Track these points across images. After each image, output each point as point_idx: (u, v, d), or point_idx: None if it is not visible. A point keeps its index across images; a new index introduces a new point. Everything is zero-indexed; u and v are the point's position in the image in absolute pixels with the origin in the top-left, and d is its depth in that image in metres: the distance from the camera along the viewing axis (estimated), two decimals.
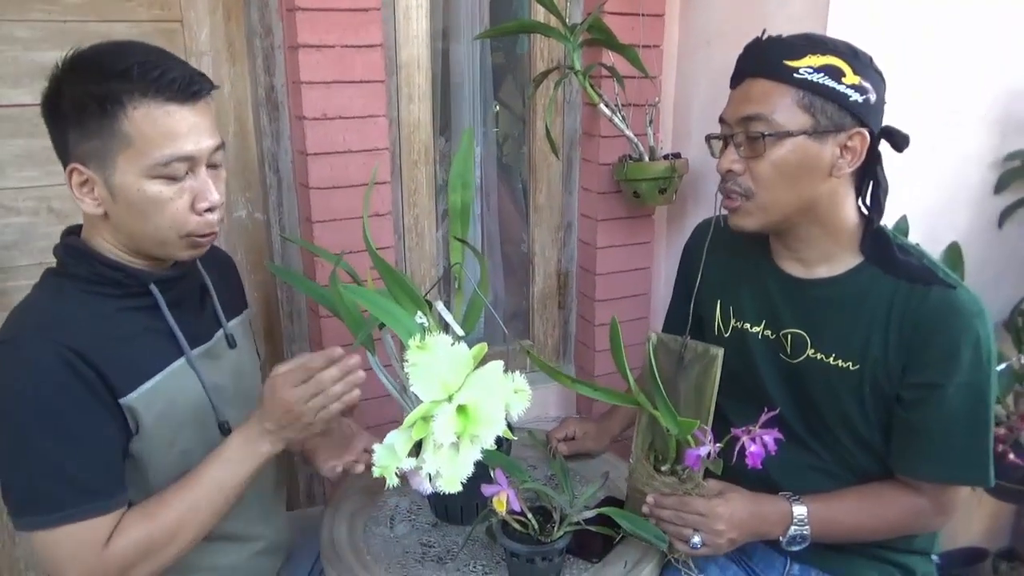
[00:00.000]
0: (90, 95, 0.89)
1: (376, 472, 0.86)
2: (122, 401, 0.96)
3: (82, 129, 0.91)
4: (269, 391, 0.96)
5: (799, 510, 1.10)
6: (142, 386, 0.98)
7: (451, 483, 0.87)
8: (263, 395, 0.97)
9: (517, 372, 0.94)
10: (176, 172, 0.93)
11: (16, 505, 0.92)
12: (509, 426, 1.26)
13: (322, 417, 0.96)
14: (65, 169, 0.95)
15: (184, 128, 0.92)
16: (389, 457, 0.86)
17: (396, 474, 0.87)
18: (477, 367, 0.91)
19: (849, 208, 1.10)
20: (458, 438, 0.86)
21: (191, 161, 0.94)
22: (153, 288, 1.01)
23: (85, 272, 0.98)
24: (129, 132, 0.90)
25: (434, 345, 0.87)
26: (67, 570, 0.92)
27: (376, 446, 0.87)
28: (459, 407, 0.87)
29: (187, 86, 0.92)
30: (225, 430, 1.06)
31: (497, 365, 0.91)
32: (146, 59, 0.91)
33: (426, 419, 0.87)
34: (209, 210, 0.97)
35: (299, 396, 0.94)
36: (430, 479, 0.90)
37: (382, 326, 1.10)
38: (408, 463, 0.87)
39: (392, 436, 0.88)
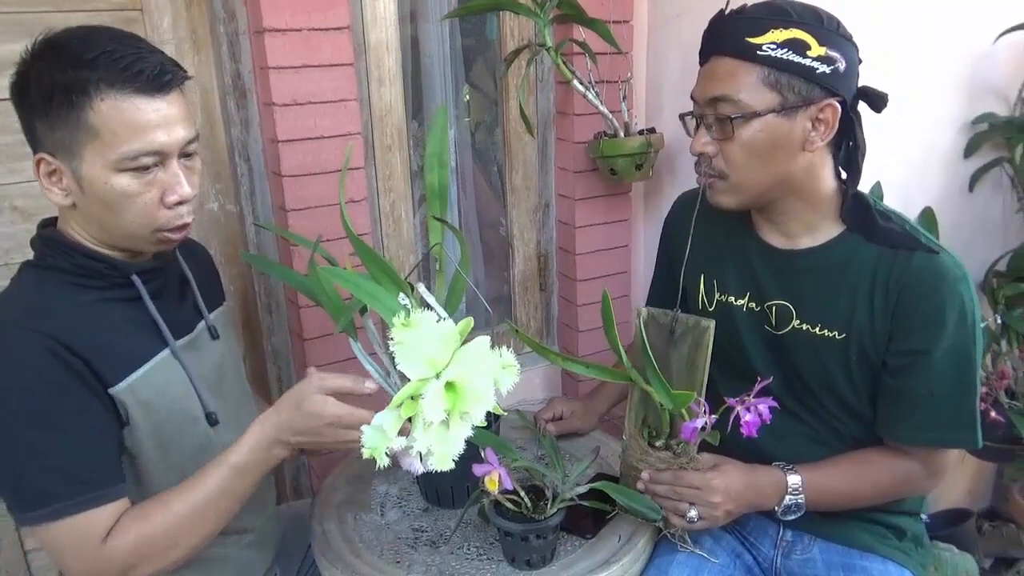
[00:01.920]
0: (56, 84, 0.86)
1: (366, 454, 0.85)
2: (111, 391, 0.93)
3: (49, 119, 0.88)
4: (307, 405, 0.92)
5: (793, 479, 1.10)
6: (129, 376, 0.95)
7: (443, 460, 0.86)
8: (289, 405, 0.94)
9: (504, 347, 0.92)
10: (143, 164, 0.90)
11: (14, 501, 0.90)
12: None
13: (347, 445, 0.94)
14: (33, 158, 0.92)
15: (154, 120, 0.89)
16: (378, 438, 0.84)
17: (386, 455, 0.86)
18: (463, 343, 0.90)
19: (827, 176, 1.09)
20: (448, 415, 0.85)
21: (161, 154, 0.91)
22: (135, 279, 0.98)
23: (66, 264, 0.95)
24: (95, 124, 0.87)
25: (419, 322, 0.85)
26: (69, 564, 0.91)
27: (364, 427, 0.86)
28: (447, 384, 0.86)
29: (157, 77, 0.89)
30: (212, 421, 1.04)
31: (484, 340, 0.90)
32: (113, 47, 0.88)
33: (414, 398, 0.85)
34: (180, 203, 0.94)
35: (338, 419, 0.92)
36: (421, 459, 0.88)
37: (363, 312, 1.08)
38: (399, 442, 0.86)
39: (380, 416, 0.86)
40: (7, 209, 1.42)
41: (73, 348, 0.89)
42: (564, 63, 1.63)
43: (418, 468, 0.89)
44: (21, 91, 0.90)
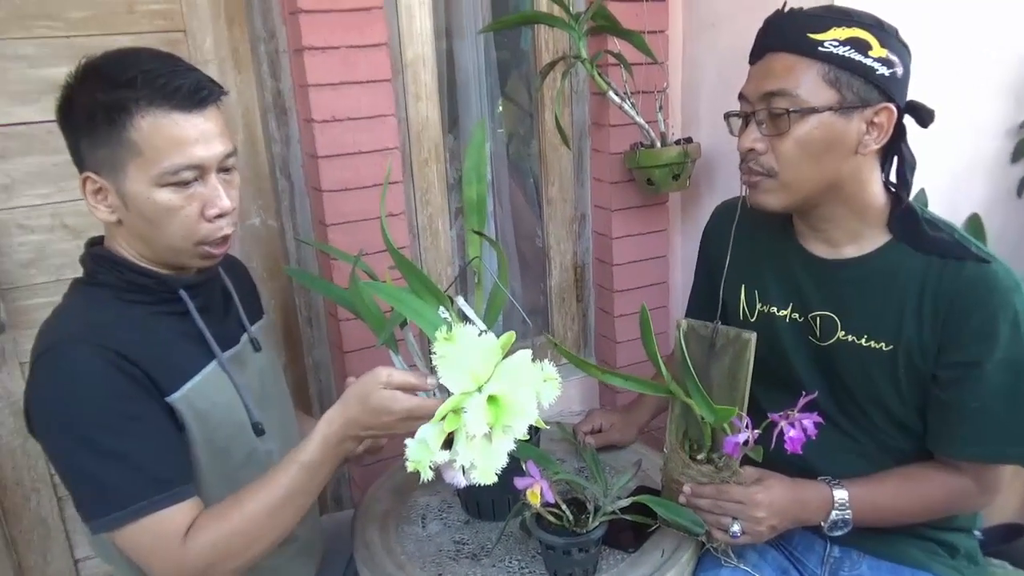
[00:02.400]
0: (98, 104, 0.90)
1: (410, 467, 0.85)
2: (168, 400, 0.96)
3: (93, 138, 0.91)
4: (374, 400, 0.93)
5: (840, 494, 1.08)
6: (183, 387, 0.98)
7: (486, 475, 0.86)
8: (356, 401, 0.95)
9: (546, 360, 0.92)
10: (184, 179, 0.93)
11: (89, 508, 0.92)
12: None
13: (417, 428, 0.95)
14: (79, 177, 0.95)
15: (192, 135, 0.92)
16: (422, 452, 0.85)
17: (430, 468, 0.86)
18: (505, 357, 0.90)
19: (875, 185, 1.07)
20: (490, 429, 0.85)
21: (200, 168, 0.94)
22: (183, 293, 1.01)
23: (115, 280, 0.98)
24: (137, 141, 0.90)
25: (461, 336, 0.86)
26: (153, 564, 0.93)
27: (408, 441, 0.86)
28: (490, 397, 0.86)
29: (193, 93, 0.92)
30: (259, 431, 1.07)
31: (525, 354, 0.90)
32: (152, 67, 0.91)
33: (457, 411, 0.85)
34: (220, 216, 0.97)
35: (410, 412, 0.93)
36: (464, 472, 0.88)
37: (403, 326, 1.09)
38: (442, 456, 0.86)
39: (424, 430, 0.87)
40: (59, 227, 1.46)
41: (132, 359, 0.92)
42: (599, 74, 1.63)
43: (461, 481, 0.90)
44: (66, 113, 0.93)
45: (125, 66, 0.91)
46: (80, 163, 0.95)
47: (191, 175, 0.93)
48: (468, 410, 0.83)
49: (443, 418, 0.86)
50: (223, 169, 0.97)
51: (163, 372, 0.96)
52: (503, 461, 0.86)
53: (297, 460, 0.96)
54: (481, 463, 0.85)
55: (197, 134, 0.92)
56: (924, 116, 1.03)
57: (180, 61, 0.96)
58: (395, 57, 1.61)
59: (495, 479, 0.86)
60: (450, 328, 0.87)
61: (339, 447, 0.97)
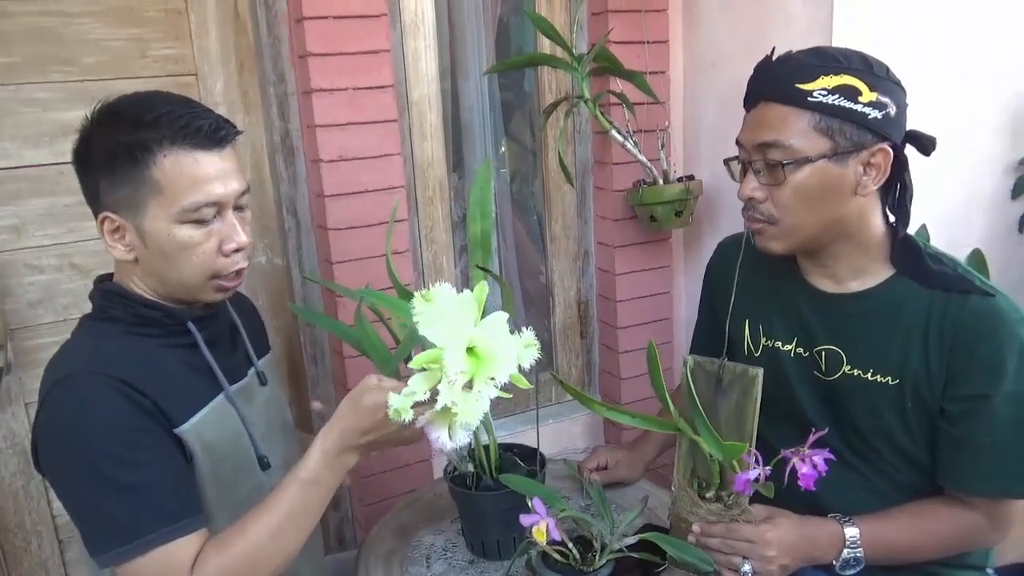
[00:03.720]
0: (120, 144, 0.92)
1: (392, 415, 0.85)
2: (176, 431, 0.96)
3: (113, 178, 0.93)
4: (367, 400, 0.94)
5: (851, 532, 1.06)
6: (192, 418, 0.98)
7: (470, 414, 0.84)
8: (349, 408, 0.96)
9: (525, 328, 0.93)
10: (205, 216, 0.95)
11: (96, 540, 0.92)
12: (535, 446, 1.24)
13: (413, 430, 0.95)
14: (96, 218, 0.97)
15: (212, 173, 0.94)
16: (405, 401, 0.85)
17: (413, 415, 0.85)
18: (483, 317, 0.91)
19: (877, 220, 1.07)
20: (472, 378, 0.85)
21: (219, 205, 0.96)
22: (191, 326, 1.02)
23: (124, 314, 0.99)
24: (159, 179, 0.92)
25: (439, 294, 0.86)
26: None
27: (391, 394, 0.86)
28: (471, 351, 0.86)
29: (214, 132, 0.95)
30: (264, 464, 1.07)
31: (502, 315, 0.90)
32: (171, 108, 0.93)
33: (438, 362, 0.85)
34: (236, 251, 0.99)
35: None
36: (449, 434, 0.88)
37: (408, 361, 1.09)
38: (424, 418, 0.87)
39: (410, 382, 0.87)
40: (67, 267, 1.48)
41: (141, 390, 0.93)
42: (602, 114, 1.66)
43: (446, 443, 0.88)
44: (84, 155, 0.95)
45: (146, 108, 0.93)
46: (97, 203, 0.97)
47: (210, 212, 0.95)
48: (447, 354, 0.83)
49: (421, 368, 0.86)
50: (238, 207, 1.00)
51: (172, 403, 0.96)
52: (486, 406, 0.86)
53: (297, 478, 0.96)
54: (463, 407, 0.84)
55: (216, 172, 0.95)
56: (926, 144, 1.04)
57: (195, 103, 0.98)
58: (401, 97, 1.65)
59: (479, 420, 0.86)
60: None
61: (338, 460, 0.97)
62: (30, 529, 1.53)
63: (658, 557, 1.11)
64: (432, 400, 0.86)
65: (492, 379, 0.87)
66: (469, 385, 0.86)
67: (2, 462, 1.49)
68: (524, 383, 0.93)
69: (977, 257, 1.73)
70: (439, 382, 0.85)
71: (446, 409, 0.85)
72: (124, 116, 0.93)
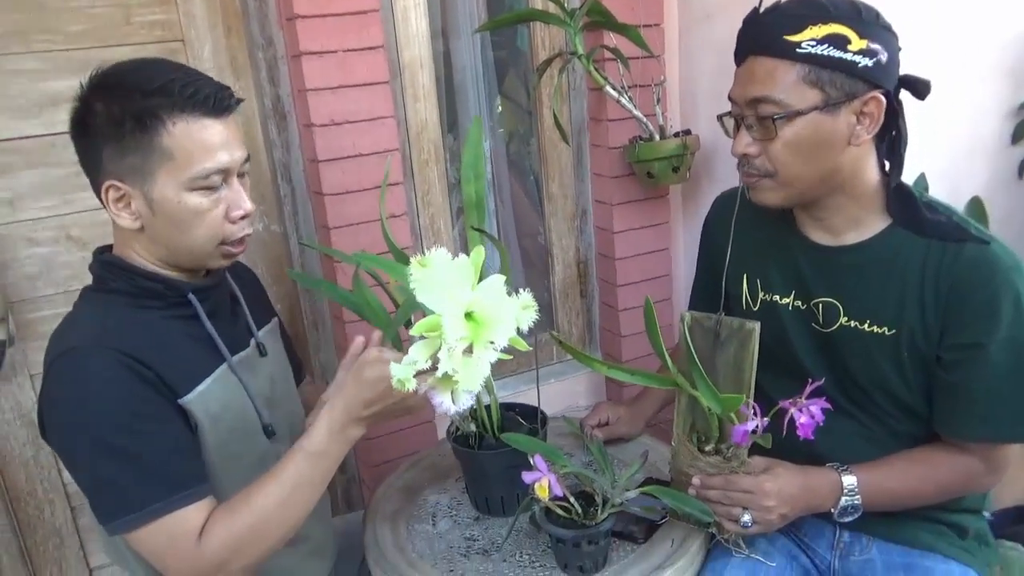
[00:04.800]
0: (127, 112, 0.91)
1: (395, 385, 0.85)
2: (181, 402, 0.98)
3: (119, 146, 0.93)
4: (369, 372, 0.95)
5: (848, 480, 1.08)
6: (196, 388, 1.00)
7: (471, 380, 0.85)
8: (352, 380, 0.97)
9: (523, 289, 0.93)
10: (214, 183, 0.96)
11: (105, 509, 0.93)
12: (539, 415, 1.25)
13: (416, 400, 0.97)
14: (100, 186, 0.96)
15: (219, 140, 0.95)
16: (407, 370, 0.86)
17: (414, 382, 0.86)
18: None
19: (872, 169, 1.07)
20: (471, 343, 0.86)
21: (226, 172, 0.97)
22: (192, 297, 1.03)
23: (125, 286, 1.00)
24: (169, 146, 0.92)
25: (435, 260, 0.86)
26: (168, 564, 0.94)
27: (393, 365, 0.87)
28: (470, 316, 0.86)
29: (220, 100, 0.95)
30: (269, 433, 1.08)
31: (499, 278, 0.90)
32: (177, 75, 0.93)
33: (437, 329, 0.86)
34: (243, 217, 1.00)
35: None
36: (452, 397, 0.89)
37: (408, 325, 1.10)
38: (426, 384, 0.87)
39: (410, 350, 0.87)
40: (63, 239, 1.48)
41: (144, 362, 0.94)
42: (596, 70, 1.63)
43: (449, 407, 0.89)
44: (85, 123, 0.94)
45: (149, 75, 0.93)
46: (99, 172, 0.96)
47: (219, 179, 0.96)
48: (445, 319, 0.84)
49: (420, 335, 0.86)
50: (240, 174, 1.01)
51: (175, 374, 0.97)
52: (486, 371, 0.87)
53: (303, 449, 0.98)
54: (464, 373, 0.85)
55: (222, 139, 0.96)
56: (920, 89, 1.03)
57: (196, 70, 0.98)
58: (392, 59, 1.62)
59: (480, 385, 0.86)
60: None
61: (343, 432, 0.98)
62: (42, 498, 1.55)
63: (659, 510, 1.13)
64: (433, 367, 0.86)
65: (491, 343, 0.87)
66: (469, 350, 0.86)
67: (11, 433, 1.50)
68: (523, 345, 0.94)
69: (976, 205, 1.72)
70: (439, 349, 0.86)
71: (448, 375, 0.86)
72: (127, 83, 0.92)
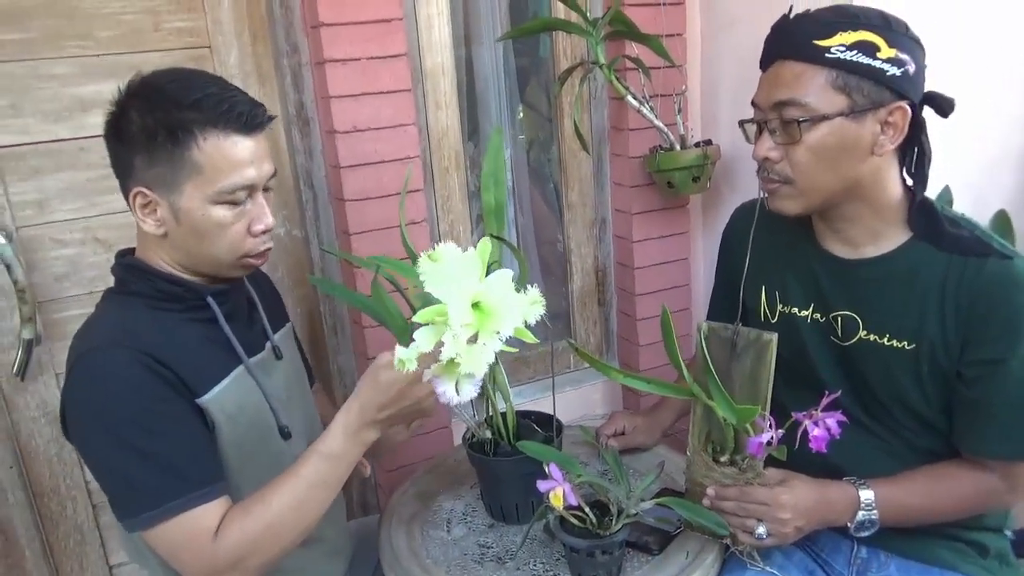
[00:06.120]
0: (161, 124, 0.94)
1: (397, 365, 0.86)
2: (198, 402, 0.99)
3: (150, 155, 0.95)
4: (383, 375, 0.96)
5: (866, 495, 1.07)
6: (213, 389, 1.01)
7: (474, 365, 0.86)
8: (366, 385, 0.98)
9: (531, 285, 0.94)
10: (239, 199, 0.98)
11: (124, 506, 0.95)
12: (551, 424, 1.25)
13: (430, 400, 0.98)
14: (129, 191, 0.99)
15: (248, 157, 0.97)
16: (411, 353, 0.86)
17: (415, 363, 0.86)
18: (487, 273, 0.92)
19: (894, 182, 1.06)
20: (477, 332, 0.86)
21: (251, 188, 0.99)
22: (210, 300, 1.05)
23: (146, 288, 1.02)
24: (199, 160, 0.94)
25: (444, 253, 0.87)
26: (184, 561, 0.95)
27: (398, 347, 0.87)
28: (476, 306, 0.87)
29: (252, 118, 0.97)
30: (285, 434, 1.10)
31: (507, 272, 0.91)
32: (213, 90, 0.95)
33: (443, 315, 0.87)
34: (264, 231, 1.02)
35: (417, 375, 0.94)
36: (456, 388, 0.89)
37: None
38: (431, 372, 0.88)
39: (416, 335, 0.88)
40: (91, 240, 1.50)
41: (164, 362, 0.96)
42: (617, 79, 1.64)
43: (453, 397, 0.90)
44: (120, 129, 0.97)
45: (186, 89, 0.95)
46: (128, 178, 0.98)
47: (244, 194, 0.98)
48: (451, 305, 0.84)
49: (426, 322, 0.87)
50: (266, 188, 1.03)
51: (193, 375, 0.99)
52: (490, 358, 0.87)
53: (317, 451, 0.99)
54: (467, 357, 0.85)
55: (252, 156, 0.98)
56: (944, 106, 1.02)
57: (232, 85, 1.00)
58: (415, 67, 1.64)
59: (484, 370, 0.87)
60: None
61: (359, 435, 0.99)
62: (65, 494, 1.58)
63: (675, 521, 1.13)
64: (438, 353, 0.87)
65: (497, 333, 0.88)
66: (475, 339, 0.87)
67: (36, 430, 1.53)
68: (530, 337, 0.94)
69: (1002, 218, 1.70)
70: (442, 332, 0.87)
71: (452, 363, 0.86)
72: (164, 95, 0.94)
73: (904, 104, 0.99)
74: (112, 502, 0.97)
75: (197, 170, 0.95)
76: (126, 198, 1.00)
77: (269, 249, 1.05)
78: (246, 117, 0.96)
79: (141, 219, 0.99)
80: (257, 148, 0.98)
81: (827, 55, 0.97)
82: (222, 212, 0.98)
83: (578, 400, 2.00)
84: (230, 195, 0.97)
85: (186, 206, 0.97)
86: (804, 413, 0.99)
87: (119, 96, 0.97)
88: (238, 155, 0.96)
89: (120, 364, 0.93)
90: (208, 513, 0.95)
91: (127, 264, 1.04)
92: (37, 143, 1.43)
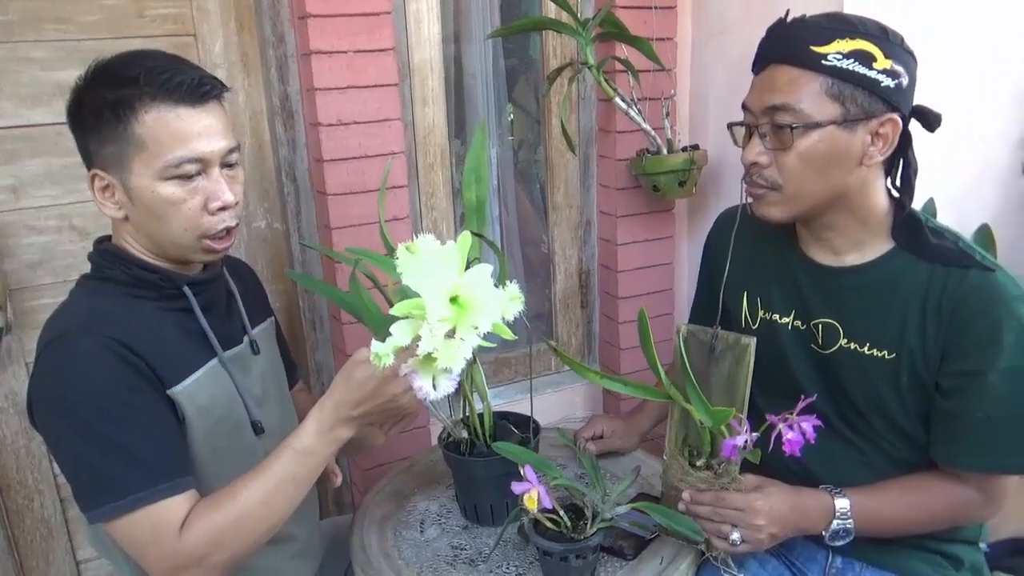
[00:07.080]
0: (105, 102, 0.92)
1: (372, 359, 0.84)
2: (169, 392, 0.97)
3: (100, 135, 0.93)
4: (358, 372, 0.95)
5: (841, 503, 1.06)
6: (185, 380, 0.99)
7: (451, 359, 0.84)
8: (341, 381, 0.97)
9: (510, 282, 0.92)
10: (187, 172, 0.94)
11: (87, 496, 0.93)
12: (532, 426, 1.24)
13: (406, 399, 0.96)
14: (88, 174, 0.97)
15: (195, 130, 0.94)
16: (387, 347, 0.85)
17: (391, 359, 0.85)
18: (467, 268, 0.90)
19: (879, 193, 1.06)
20: (455, 327, 0.85)
21: (203, 162, 0.95)
22: (186, 290, 1.02)
23: (122, 275, 1.00)
24: (142, 135, 0.92)
25: (422, 245, 0.86)
26: (147, 554, 0.93)
27: (374, 342, 0.86)
28: (454, 299, 0.86)
29: (196, 88, 0.94)
30: (258, 429, 1.07)
31: (486, 267, 0.90)
32: (155, 64, 0.93)
33: (421, 309, 0.85)
34: (223, 209, 0.98)
35: (393, 372, 0.92)
36: (433, 383, 0.88)
37: None
38: (407, 366, 0.87)
39: (392, 329, 0.87)
40: (66, 228, 1.48)
41: (135, 350, 0.93)
42: (606, 81, 1.63)
43: (429, 392, 0.88)
44: (75, 113, 0.96)
45: (130, 64, 0.93)
46: (89, 162, 0.97)
47: (194, 168, 0.95)
48: (428, 299, 0.83)
49: (405, 315, 0.85)
50: (226, 164, 0.99)
51: (165, 365, 0.97)
52: (467, 353, 0.86)
53: (290, 447, 0.97)
54: (444, 351, 0.84)
55: (199, 128, 0.94)
56: (931, 120, 1.02)
57: (184, 61, 0.97)
58: (402, 62, 1.62)
59: (463, 364, 0.85)
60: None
61: (332, 432, 0.98)
62: (32, 487, 1.55)
63: (650, 526, 1.12)
64: (415, 347, 0.85)
65: (475, 328, 0.86)
66: (452, 334, 0.86)
67: (3, 421, 1.50)
68: (508, 333, 0.93)
69: (985, 232, 1.71)
70: (419, 328, 0.85)
71: (429, 357, 0.85)
72: (110, 73, 0.93)
73: (896, 116, 0.98)
74: (76, 492, 0.94)
75: (141, 145, 0.92)
76: (88, 183, 0.98)
77: (231, 229, 1.01)
78: (188, 87, 0.93)
79: (101, 203, 0.97)
80: (208, 121, 0.95)
81: (823, 61, 0.96)
82: (171, 188, 0.94)
83: (558, 403, 1.99)
84: (176, 169, 0.93)
85: (136, 184, 0.94)
86: (778, 416, 0.98)
87: (77, 81, 0.95)
88: (182, 128, 0.93)
89: (89, 350, 0.91)
90: (174, 506, 0.92)
91: (103, 249, 1.02)
92: (13, 127, 1.41)
